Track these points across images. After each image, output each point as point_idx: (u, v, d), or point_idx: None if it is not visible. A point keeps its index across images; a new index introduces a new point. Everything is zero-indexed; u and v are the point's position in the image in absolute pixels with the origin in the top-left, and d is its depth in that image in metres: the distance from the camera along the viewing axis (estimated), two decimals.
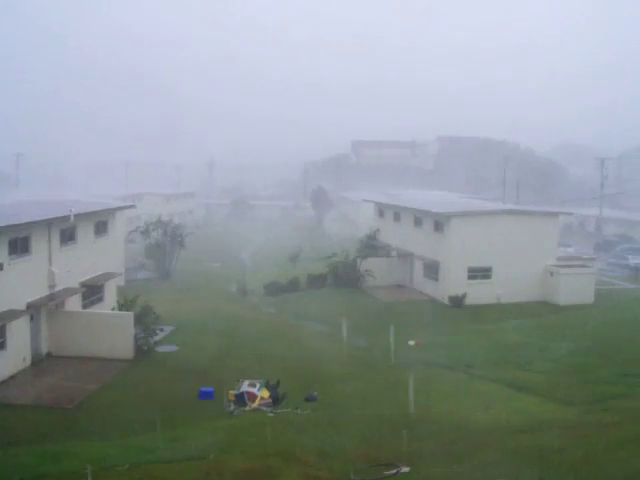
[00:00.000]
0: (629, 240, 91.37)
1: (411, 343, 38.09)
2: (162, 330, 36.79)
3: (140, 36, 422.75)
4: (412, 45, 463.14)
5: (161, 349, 34.58)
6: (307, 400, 27.02)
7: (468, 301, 48.94)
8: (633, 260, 70.39)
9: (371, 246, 62.38)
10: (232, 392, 26.96)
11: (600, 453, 15.04)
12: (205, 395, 27.32)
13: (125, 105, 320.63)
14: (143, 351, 33.18)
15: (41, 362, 32.04)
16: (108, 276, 40.19)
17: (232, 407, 26.15)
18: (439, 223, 52.49)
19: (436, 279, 52.29)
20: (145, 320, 34.38)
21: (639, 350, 34.55)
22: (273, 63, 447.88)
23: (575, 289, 49.72)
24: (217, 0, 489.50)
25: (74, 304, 35.91)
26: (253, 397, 26.64)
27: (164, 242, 63.74)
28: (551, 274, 50.82)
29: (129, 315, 33.61)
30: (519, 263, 50.24)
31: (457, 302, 48.93)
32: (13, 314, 29.34)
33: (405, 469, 17.04)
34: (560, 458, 15.11)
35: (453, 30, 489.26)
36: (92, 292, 38.59)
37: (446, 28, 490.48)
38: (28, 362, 31.35)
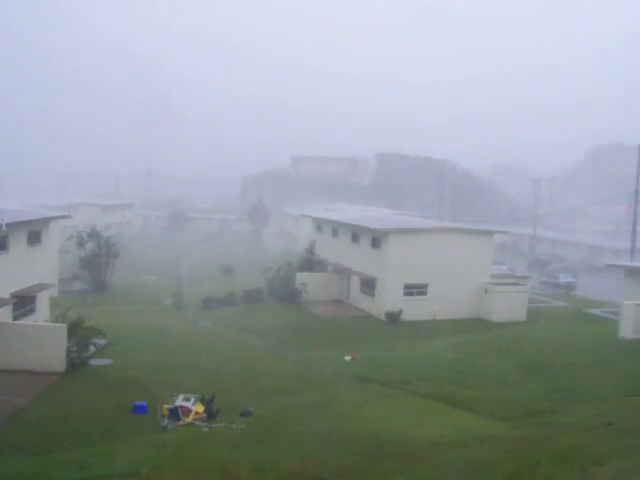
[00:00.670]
0: (560, 259, 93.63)
1: (347, 358, 38.19)
2: (96, 343, 36.10)
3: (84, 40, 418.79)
4: (354, 68, 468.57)
5: (94, 362, 33.88)
6: (242, 415, 26.80)
7: (404, 317, 49.35)
8: (564, 279, 72.08)
9: (308, 261, 62.54)
10: (166, 406, 26.56)
11: (530, 467, 15.30)
12: (139, 409, 26.85)
13: (79, 113, 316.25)
14: (76, 364, 32.45)
15: None
16: (41, 287, 39.31)
17: (166, 422, 25.75)
18: (376, 239, 52.90)
19: (373, 295, 52.63)
20: (78, 332, 33.68)
21: (568, 367, 35.29)
22: (216, 76, 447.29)
23: (508, 307, 50.61)
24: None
25: (4, 315, 34.97)
26: (187, 412, 26.30)
27: (99, 253, 62.71)
28: (485, 291, 51.63)
29: (62, 327, 32.82)
30: (454, 280, 50.93)
31: (393, 318, 49.28)
32: None
33: None
34: (491, 472, 15.32)
35: (392, 53, 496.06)
36: (24, 303, 37.66)
37: (384, 51, 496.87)
38: None
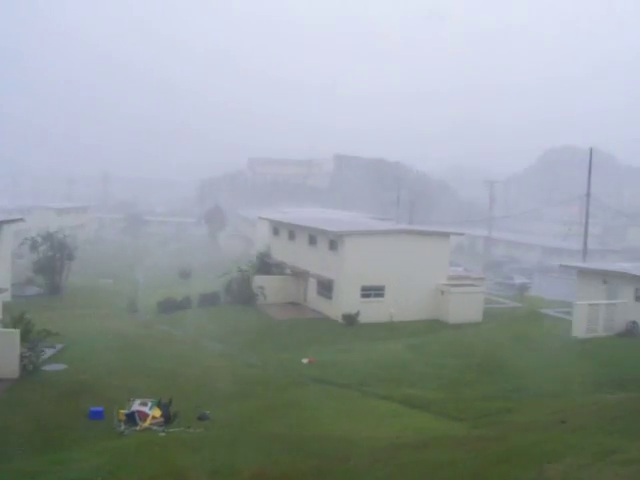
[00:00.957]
0: (515, 261, 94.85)
1: (304, 361, 38.21)
2: (50, 348, 35.60)
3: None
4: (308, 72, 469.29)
5: (48, 368, 33.39)
6: (199, 419, 26.66)
7: (361, 319, 49.49)
8: (518, 280, 73.03)
9: (265, 264, 62.43)
10: (123, 411, 26.28)
11: (487, 466, 15.46)
12: (95, 415, 26.52)
13: (33, 111, 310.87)
14: (29, 370, 31.95)
15: None
16: None
17: (122, 427, 25.47)
18: (333, 242, 53.00)
19: (330, 297, 52.70)
20: (31, 337, 33.15)
21: (522, 366, 35.74)
22: (175, 78, 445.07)
23: (464, 308, 51.10)
24: None
25: None
26: (144, 416, 26.06)
27: (53, 257, 61.85)
28: (442, 293, 52.05)
29: (14, 332, 32.29)
30: (411, 282, 51.24)
31: (350, 320, 49.40)
32: None
33: None
34: (449, 472, 15.44)
35: (343, 60, 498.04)
36: None
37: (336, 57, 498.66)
38: None
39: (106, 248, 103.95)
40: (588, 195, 68.34)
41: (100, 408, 26.78)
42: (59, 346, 37.55)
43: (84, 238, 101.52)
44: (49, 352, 35.34)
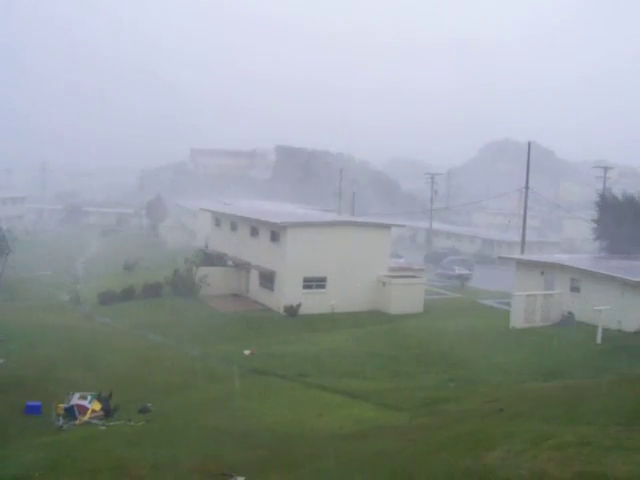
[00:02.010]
0: (456, 252, 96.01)
1: (246, 352, 38.19)
2: None
3: None
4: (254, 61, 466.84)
5: None
6: (140, 412, 26.43)
7: (303, 311, 49.58)
8: (459, 271, 73.98)
9: (207, 255, 62.06)
10: (62, 405, 25.89)
11: (427, 454, 15.70)
12: (32, 410, 26.03)
13: None
14: None
15: None
16: None
17: (61, 421, 25.07)
18: (275, 233, 52.95)
19: (272, 289, 52.67)
20: None
21: (462, 356, 36.37)
22: (117, 64, 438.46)
23: (406, 299, 51.57)
24: None
25: None
26: (84, 410, 25.71)
27: None
28: (383, 284, 52.44)
29: None
30: (353, 273, 51.49)
31: (292, 312, 49.45)
32: None
33: (240, 479, 17.03)
34: (391, 461, 15.64)
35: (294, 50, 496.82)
36: None
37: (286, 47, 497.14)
38: None
39: (45, 240, 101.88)
40: (526, 188, 69.53)
41: (37, 403, 26.31)
42: None
43: (21, 229, 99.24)
44: None
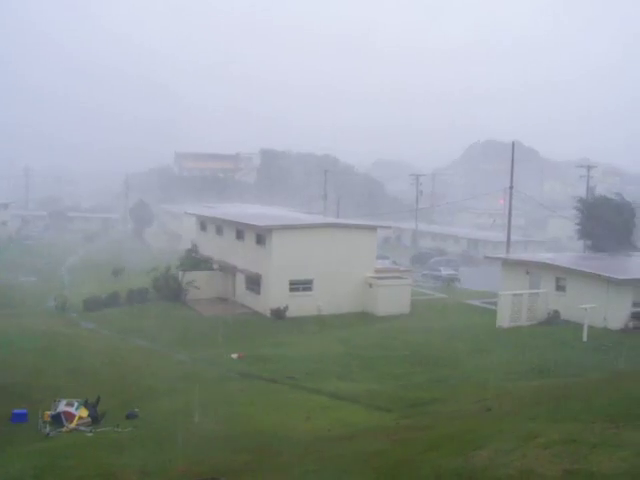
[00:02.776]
0: (441, 252, 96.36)
1: (234, 356, 38.10)
2: None
3: None
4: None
5: None
6: (128, 418, 26.30)
7: (290, 313, 49.57)
8: (445, 271, 74.26)
9: (193, 259, 61.94)
10: (48, 413, 25.73)
11: (415, 454, 15.72)
12: (18, 418, 25.83)
13: None
14: None
15: None
16: None
17: (48, 429, 24.89)
18: (261, 236, 52.91)
19: (258, 292, 52.62)
20: None
21: (450, 357, 36.46)
22: (103, 66, 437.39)
23: (392, 300, 51.65)
24: None
25: None
26: (71, 417, 25.56)
27: None
28: (370, 286, 52.50)
29: None
30: (339, 275, 51.54)
31: (279, 315, 49.43)
32: None
33: None
34: (379, 461, 15.63)
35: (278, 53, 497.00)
36: None
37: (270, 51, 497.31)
38: None
39: (29, 246, 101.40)
40: (510, 187, 69.84)
41: (23, 410, 26.13)
42: None
43: (6, 236, 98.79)
44: None
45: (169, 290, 56.14)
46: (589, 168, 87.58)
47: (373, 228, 57.47)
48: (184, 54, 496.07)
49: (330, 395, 29.57)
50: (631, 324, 42.11)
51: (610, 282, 42.72)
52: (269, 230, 51.65)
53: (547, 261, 50.03)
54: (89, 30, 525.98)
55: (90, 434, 24.37)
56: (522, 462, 12.93)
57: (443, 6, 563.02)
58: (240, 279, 56.06)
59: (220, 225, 62.38)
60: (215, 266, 60.22)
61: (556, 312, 44.99)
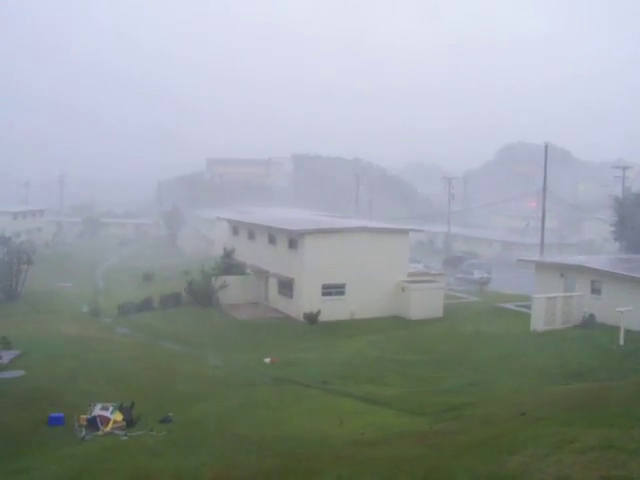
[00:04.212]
0: (474, 256, 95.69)
1: (267, 361, 38.16)
2: (7, 354, 35.06)
3: None
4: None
5: (5, 375, 32.83)
6: (162, 422, 26.45)
7: (322, 318, 49.56)
8: (478, 275, 73.72)
9: (226, 264, 62.22)
10: (84, 417, 25.98)
11: (449, 459, 15.59)
12: (54, 421, 26.14)
13: None
14: None
15: None
16: None
17: (84, 432, 25.16)
18: (293, 240, 52.99)
19: (291, 296, 52.68)
20: None
21: (483, 361, 36.16)
22: (132, 76, 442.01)
23: (425, 304, 51.44)
24: None
25: None
26: (106, 421, 25.80)
27: (10, 262, 60.89)
28: (402, 290, 52.32)
29: None
30: (372, 279, 51.43)
31: (312, 319, 49.45)
32: None
33: None
34: (413, 466, 15.52)
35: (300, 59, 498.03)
36: None
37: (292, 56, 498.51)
38: None
39: (64, 251, 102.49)
40: (544, 190, 69.25)
41: (60, 414, 26.44)
42: (17, 352, 37.00)
43: (42, 242, 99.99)
44: (6, 358, 34.80)
45: (202, 295, 56.43)
46: (624, 169, 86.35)
47: (405, 232, 57.27)
48: (210, 63, 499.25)
49: (363, 399, 29.49)
50: None
51: None
52: (301, 234, 51.71)
53: (582, 264, 49.43)
54: (114, 43, 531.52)
55: (125, 438, 24.57)
56: (558, 468, 12.76)
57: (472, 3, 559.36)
58: (273, 283, 56.18)
59: (252, 230, 62.59)
60: (248, 271, 60.43)
61: (592, 315, 44.41)
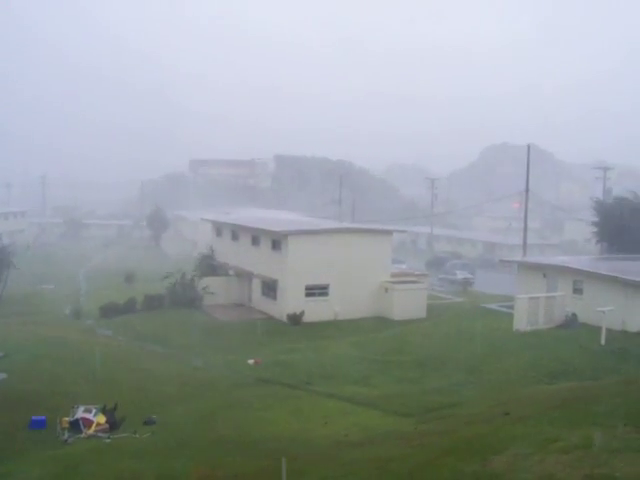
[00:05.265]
0: (457, 256, 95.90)
1: (250, 362, 38.09)
2: None
3: None
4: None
5: None
6: (145, 424, 26.35)
7: (306, 319, 49.53)
8: (461, 275, 73.87)
9: (209, 265, 62.03)
10: (66, 419, 25.80)
11: (434, 459, 15.65)
12: (36, 424, 25.89)
13: None
14: None
15: None
16: None
17: (66, 435, 24.98)
18: (277, 242, 52.91)
19: (274, 297, 52.61)
20: None
21: (466, 361, 36.27)
22: (115, 78, 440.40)
23: (408, 304, 51.52)
24: None
25: None
26: (89, 423, 25.64)
27: None
28: (386, 290, 52.37)
29: None
30: (355, 280, 51.45)
31: (295, 320, 49.40)
32: None
33: None
34: (398, 467, 15.57)
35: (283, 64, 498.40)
36: None
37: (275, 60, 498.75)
38: None
39: (46, 253, 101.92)
40: (526, 191, 69.52)
41: (42, 417, 26.21)
42: None
43: (24, 244, 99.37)
44: None
45: (185, 296, 56.22)
46: (605, 170, 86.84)
47: (388, 232, 57.34)
48: (194, 65, 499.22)
49: (347, 400, 29.52)
50: None
51: (628, 285, 42.34)
52: (285, 235, 51.66)
53: (564, 264, 49.69)
54: (99, 42, 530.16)
55: (108, 440, 24.45)
56: (541, 467, 12.83)
57: (445, 7, 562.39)
58: (256, 284, 56.10)
59: (236, 231, 62.45)
60: (231, 272, 60.29)
61: (574, 315, 44.64)
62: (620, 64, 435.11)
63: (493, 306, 53.81)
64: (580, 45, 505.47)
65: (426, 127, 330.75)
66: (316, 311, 50.02)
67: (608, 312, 39.18)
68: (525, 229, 70.96)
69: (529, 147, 69.19)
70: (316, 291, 51.36)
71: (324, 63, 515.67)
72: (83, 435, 25.06)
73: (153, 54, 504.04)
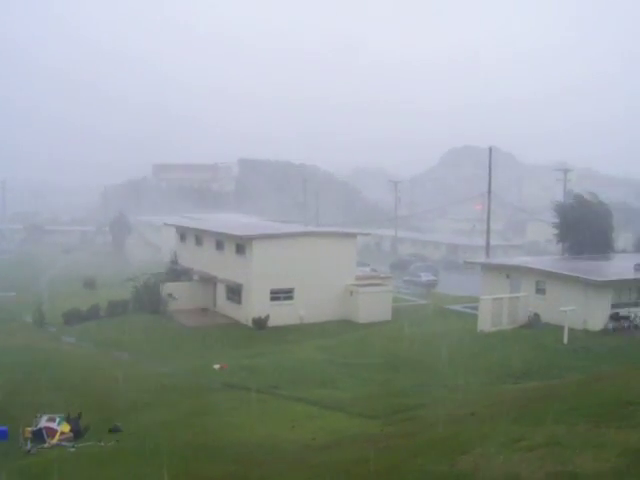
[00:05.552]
0: (421, 258, 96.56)
1: (216, 367, 37.93)
2: None
3: None
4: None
5: None
6: (111, 431, 26.08)
7: (271, 322, 49.50)
8: (425, 277, 74.40)
9: (173, 270, 61.69)
10: (29, 429, 25.41)
11: (400, 461, 15.72)
12: None
13: None
14: None
15: None
16: None
17: (29, 445, 24.54)
18: (241, 246, 52.79)
19: (239, 302, 52.49)
20: None
21: (432, 362, 36.49)
22: (74, 79, 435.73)
23: (374, 307, 51.74)
24: None
25: None
26: (52, 433, 25.27)
27: None
28: (351, 293, 52.54)
29: None
30: (320, 283, 51.56)
31: (260, 324, 49.32)
32: None
33: None
34: (365, 469, 15.59)
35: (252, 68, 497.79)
36: None
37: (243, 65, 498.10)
38: None
39: (6, 260, 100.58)
40: (489, 192, 70.21)
41: (4, 428, 25.80)
42: None
43: None
44: None
45: (149, 302, 55.81)
46: (566, 171, 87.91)
47: (353, 235, 57.55)
48: (163, 69, 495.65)
49: (314, 403, 29.52)
50: (610, 325, 42.39)
51: (589, 284, 43.01)
52: (249, 240, 51.58)
53: (526, 265, 50.30)
54: (65, 42, 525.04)
55: (72, 449, 24.12)
56: (507, 466, 12.98)
57: (421, 20, 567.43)
58: (221, 289, 55.90)
59: (200, 235, 62.16)
60: (195, 277, 60.01)
61: (537, 315, 45.20)
62: (582, 75, 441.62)
63: (457, 307, 54.28)
64: (546, 55, 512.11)
65: (392, 134, 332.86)
66: (281, 315, 50.01)
67: (570, 312, 39.76)
68: (488, 231, 71.63)
69: (491, 149, 69.89)
70: (281, 295, 51.36)
71: (290, 68, 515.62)
72: (47, 445, 24.68)
73: (118, 57, 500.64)
